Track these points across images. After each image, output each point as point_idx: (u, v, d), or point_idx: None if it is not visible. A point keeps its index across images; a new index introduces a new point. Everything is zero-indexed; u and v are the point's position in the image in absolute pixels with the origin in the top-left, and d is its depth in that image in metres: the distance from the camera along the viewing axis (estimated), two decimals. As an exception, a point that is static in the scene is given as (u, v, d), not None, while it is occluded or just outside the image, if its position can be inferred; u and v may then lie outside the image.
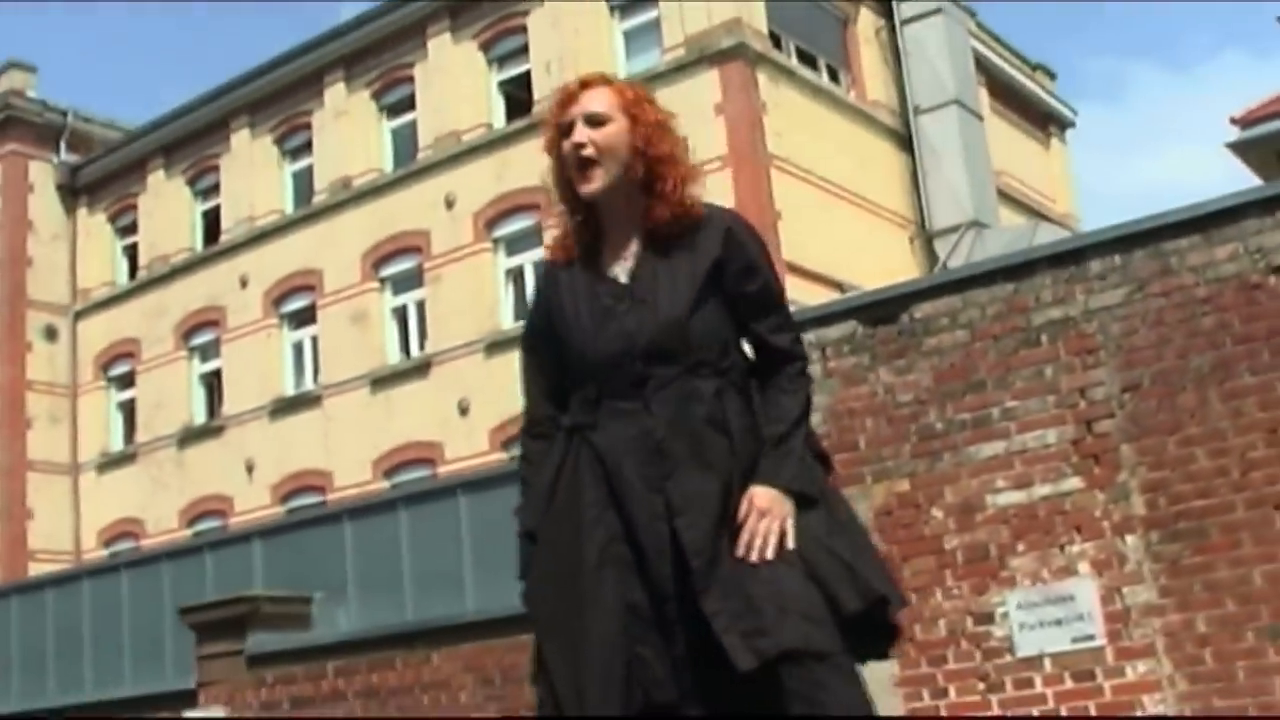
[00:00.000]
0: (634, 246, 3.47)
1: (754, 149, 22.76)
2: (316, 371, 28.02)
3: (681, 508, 3.22)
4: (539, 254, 24.77)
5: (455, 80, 26.55)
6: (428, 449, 25.29)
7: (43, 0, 68.54)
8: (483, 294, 25.45)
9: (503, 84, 26.51)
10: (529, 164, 22.92)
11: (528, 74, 25.98)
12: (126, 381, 31.32)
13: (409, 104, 27.62)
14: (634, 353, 3.34)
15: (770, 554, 3.18)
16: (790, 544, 3.22)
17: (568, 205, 3.54)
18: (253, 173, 29.43)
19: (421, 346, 26.35)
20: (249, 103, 29.51)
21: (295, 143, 29.28)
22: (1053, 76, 34.92)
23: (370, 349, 26.88)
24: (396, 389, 26.21)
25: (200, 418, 29.86)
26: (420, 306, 26.52)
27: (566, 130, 3.47)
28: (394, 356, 26.74)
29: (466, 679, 10.86)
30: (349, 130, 28.00)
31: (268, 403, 28.11)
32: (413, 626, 11.23)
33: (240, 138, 29.66)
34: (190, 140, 30.59)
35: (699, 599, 3.15)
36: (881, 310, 9.48)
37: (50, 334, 31.35)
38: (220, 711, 11.98)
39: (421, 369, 25.92)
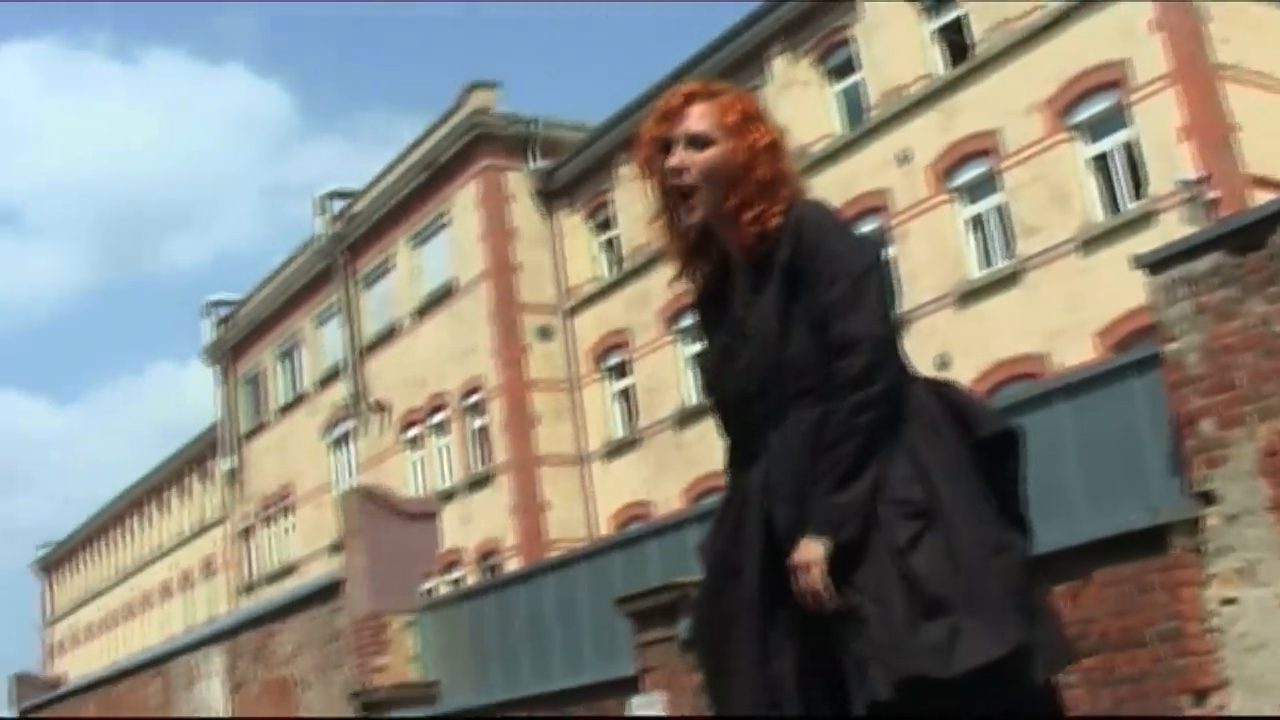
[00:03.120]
0: (747, 274, 3.31)
1: (1198, 62, 21.47)
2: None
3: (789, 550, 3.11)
4: (999, 199, 24.35)
5: (894, 39, 26.34)
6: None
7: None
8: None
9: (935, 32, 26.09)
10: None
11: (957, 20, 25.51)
12: (621, 371, 32.50)
13: (849, 68, 27.57)
14: (748, 393, 3.24)
15: (831, 605, 3.00)
16: (830, 601, 3.01)
17: (675, 233, 3.40)
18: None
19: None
20: (700, 88, 29.89)
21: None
22: None
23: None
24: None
25: (693, 399, 30.59)
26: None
27: (666, 148, 3.33)
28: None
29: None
30: (794, 106, 28.09)
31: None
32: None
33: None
34: (647, 134, 31.28)
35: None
36: (1246, 236, 8.82)
37: (545, 334, 32.87)
38: (660, 696, 12.37)
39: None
